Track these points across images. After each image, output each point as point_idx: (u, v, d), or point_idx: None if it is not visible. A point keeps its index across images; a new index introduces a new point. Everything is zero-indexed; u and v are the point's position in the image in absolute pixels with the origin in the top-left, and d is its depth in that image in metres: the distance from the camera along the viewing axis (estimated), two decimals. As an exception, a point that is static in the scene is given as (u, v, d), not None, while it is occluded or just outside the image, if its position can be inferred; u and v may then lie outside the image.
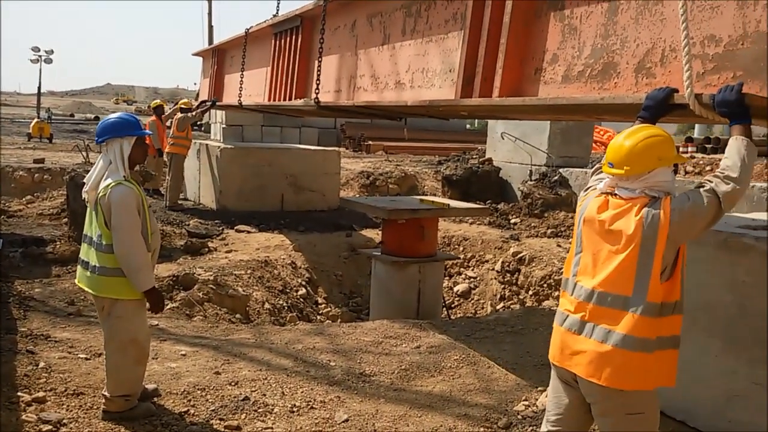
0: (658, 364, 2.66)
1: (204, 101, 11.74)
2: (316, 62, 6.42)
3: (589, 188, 2.96)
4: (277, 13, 8.24)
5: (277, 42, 7.85)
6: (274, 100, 7.88)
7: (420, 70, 5.07)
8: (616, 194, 2.76)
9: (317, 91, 6.41)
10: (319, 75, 6.38)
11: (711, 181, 2.58)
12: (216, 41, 33.07)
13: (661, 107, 2.87)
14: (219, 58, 11.19)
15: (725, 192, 2.54)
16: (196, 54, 13.15)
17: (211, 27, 34.26)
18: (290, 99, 7.35)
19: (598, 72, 3.47)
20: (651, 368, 2.65)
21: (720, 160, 2.72)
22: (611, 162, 2.74)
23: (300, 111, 8.71)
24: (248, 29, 8.92)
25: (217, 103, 11.22)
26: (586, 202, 2.88)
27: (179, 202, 12.10)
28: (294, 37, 7.33)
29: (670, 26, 3.06)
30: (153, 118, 13.02)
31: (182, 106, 12.62)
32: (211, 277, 7.41)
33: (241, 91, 9.13)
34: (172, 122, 12.38)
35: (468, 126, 32.55)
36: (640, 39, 3.23)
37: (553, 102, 3.66)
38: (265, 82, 8.30)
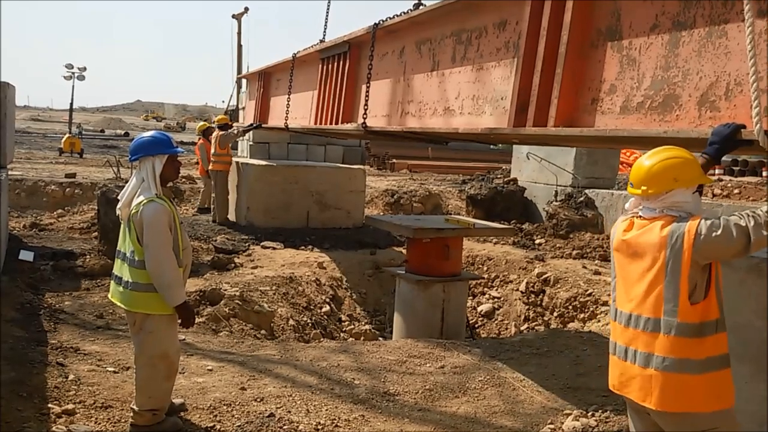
0: (710, 386, 2.62)
1: (251, 124, 11.93)
2: (364, 87, 6.48)
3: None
4: (323, 38, 8.36)
5: (324, 67, 7.94)
6: (321, 123, 7.95)
7: (470, 97, 5.06)
8: (640, 215, 2.79)
9: (365, 115, 6.45)
10: (367, 100, 6.43)
11: (750, 219, 2.52)
12: (245, 60, 33.34)
13: (726, 143, 2.80)
14: (265, 81, 11.36)
15: (759, 239, 2.49)
16: (243, 77, 13.39)
17: (240, 46, 34.74)
18: (337, 123, 7.41)
19: (659, 104, 3.41)
20: (701, 390, 2.61)
21: (747, 183, 2.71)
22: (632, 182, 2.79)
23: (346, 134, 8.80)
24: (296, 54, 9.07)
25: (263, 126, 11.41)
26: (615, 228, 2.91)
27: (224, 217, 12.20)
28: (341, 62, 7.41)
29: (735, 59, 3.00)
30: (202, 140, 13.25)
31: (218, 122, 12.81)
32: (238, 293, 7.47)
33: (287, 113, 9.26)
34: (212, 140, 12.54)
35: (492, 146, 32.49)
36: (703, 72, 3.16)
37: (613, 134, 3.59)
38: (311, 105, 8.39)
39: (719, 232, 2.53)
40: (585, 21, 3.86)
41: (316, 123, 8.16)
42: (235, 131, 12.21)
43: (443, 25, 5.43)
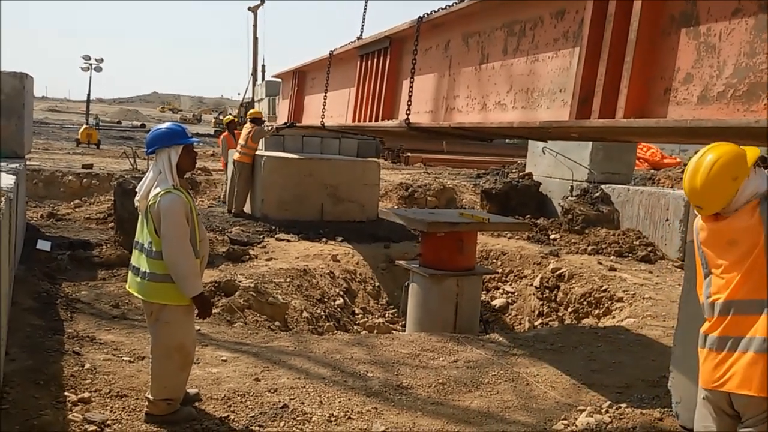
0: None
1: (284, 123, 11.99)
2: (406, 83, 6.34)
3: None
4: (361, 35, 8.36)
5: (363, 63, 7.85)
6: (359, 121, 7.85)
7: (523, 90, 4.90)
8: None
9: (408, 112, 6.34)
10: (410, 96, 6.31)
11: None
12: (260, 53, 33.44)
13: None
14: (299, 80, 11.32)
15: None
16: (276, 76, 13.44)
17: (256, 39, 34.88)
18: (377, 120, 7.31)
19: (743, 93, 3.23)
20: None
21: None
22: (698, 206, 2.75)
23: (386, 132, 8.68)
24: (332, 51, 9.03)
25: (297, 124, 11.45)
26: (696, 223, 2.87)
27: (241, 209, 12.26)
28: (382, 58, 7.32)
29: None
30: (226, 134, 13.27)
31: (251, 116, 12.86)
32: (252, 285, 7.50)
33: (324, 111, 9.21)
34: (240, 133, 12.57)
35: (507, 140, 32.37)
36: None
37: (695, 124, 3.40)
38: (348, 103, 8.30)
39: None
40: (656, 7, 3.69)
41: (354, 120, 8.05)
42: (268, 128, 12.25)
43: (493, 17, 5.27)
